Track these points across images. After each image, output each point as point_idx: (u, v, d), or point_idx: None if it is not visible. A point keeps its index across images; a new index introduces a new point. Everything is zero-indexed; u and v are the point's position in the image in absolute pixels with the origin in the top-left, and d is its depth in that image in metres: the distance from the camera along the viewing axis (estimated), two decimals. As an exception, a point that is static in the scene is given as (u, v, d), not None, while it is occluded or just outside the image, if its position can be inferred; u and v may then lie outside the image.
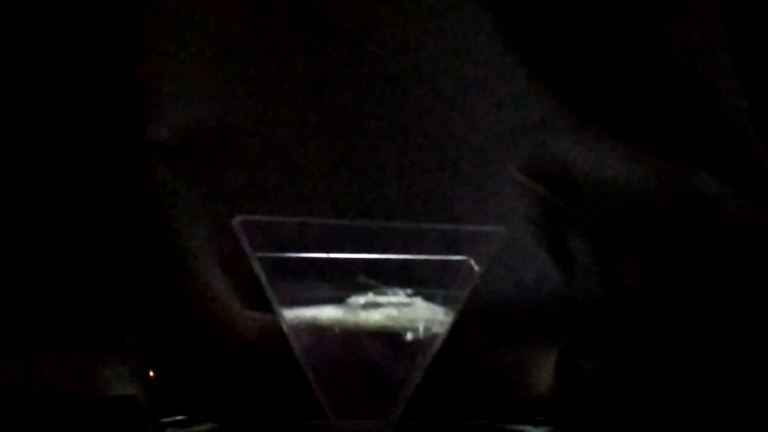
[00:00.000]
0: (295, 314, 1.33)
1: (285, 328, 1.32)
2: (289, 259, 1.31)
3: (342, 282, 1.35)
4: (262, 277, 1.29)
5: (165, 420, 1.44)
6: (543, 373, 1.46)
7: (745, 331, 1.32)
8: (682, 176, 1.35)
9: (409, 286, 1.33)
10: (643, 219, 1.38)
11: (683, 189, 1.36)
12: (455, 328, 1.34)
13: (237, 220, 1.27)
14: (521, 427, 1.43)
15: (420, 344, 1.33)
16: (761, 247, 1.33)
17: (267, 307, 1.38)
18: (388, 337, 1.33)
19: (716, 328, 1.34)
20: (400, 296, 1.32)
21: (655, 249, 1.37)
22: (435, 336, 1.32)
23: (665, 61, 1.34)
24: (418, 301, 1.32)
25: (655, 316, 1.36)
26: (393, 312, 1.33)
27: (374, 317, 1.32)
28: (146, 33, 1.37)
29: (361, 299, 1.32)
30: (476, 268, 1.33)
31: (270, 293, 1.31)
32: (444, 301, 1.32)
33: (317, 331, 1.35)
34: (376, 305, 1.33)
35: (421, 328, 1.32)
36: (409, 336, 1.33)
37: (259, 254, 1.29)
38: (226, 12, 1.37)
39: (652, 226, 1.37)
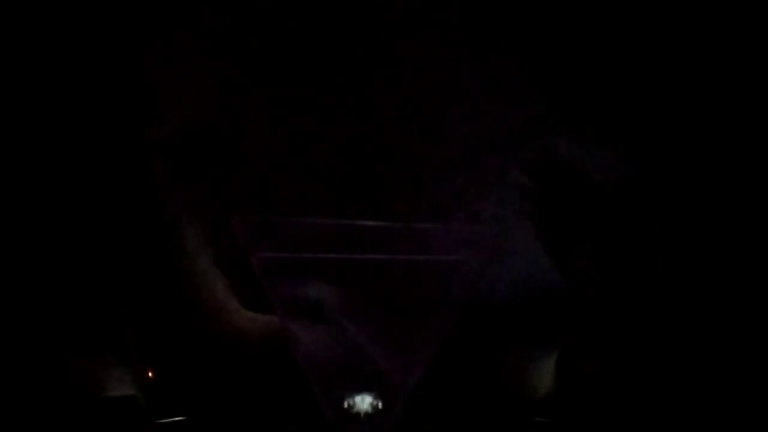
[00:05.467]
0: (295, 314, 1.33)
1: (285, 328, 1.32)
2: (289, 259, 1.31)
3: (341, 282, 1.35)
4: (262, 277, 1.29)
5: (164, 420, 1.44)
6: (543, 373, 1.46)
7: (746, 331, 1.32)
8: (682, 176, 1.36)
9: (409, 286, 1.33)
10: (644, 219, 1.38)
11: (683, 189, 1.36)
12: (455, 328, 1.34)
13: (237, 220, 1.27)
14: None
15: (420, 344, 1.33)
16: (761, 247, 1.33)
17: (267, 307, 1.38)
18: (388, 338, 1.33)
19: (716, 328, 1.34)
20: None
21: (656, 249, 1.37)
22: (435, 336, 1.32)
23: (662, 63, 1.34)
24: None
25: (655, 315, 1.36)
26: None
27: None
28: (147, 33, 1.37)
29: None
30: (476, 268, 1.34)
31: (270, 293, 1.31)
32: (444, 301, 1.33)
33: (317, 331, 1.35)
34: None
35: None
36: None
37: (259, 254, 1.29)
38: (227, 13, 1.37)
39: (652, 226, 1.37)
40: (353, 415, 1.32)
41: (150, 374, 1.46)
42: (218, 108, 1.41)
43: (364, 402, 1.31)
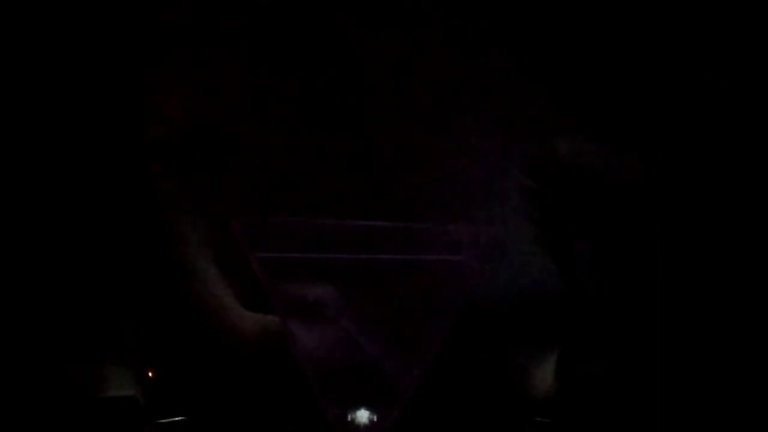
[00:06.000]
0: (295, 314, 1.33)
1: (285, 328, 1.32)
2: (289, 259, 1.31)
3: (342, 282, 1.35)
4: (262, 277, 1.29)
5: (164, 420, 1.44)
6: (543, 373, 1.46)
7: (747, 331, 1.32)
8: (684, 176, 1.36)
9: (409, 286, 1.33)
10: (644, 218, 1.38)
11: (685, 189, 1.36)
12: (455, 328, 1.34)
13: (237, 220, 1.27)
14: None
15: (420, 345, 1.33)
16: (762, 247, 1.33)
17: (267, 307, 1.38)
18: (388, 338, 1.33)
19: (718, 328, 1.34)
20: None
21: (657, 249, 1.37)
22: (435, 336, 1.32)
23: (663, 63, 1.34)
24: None
25: (655, 316, 1.36)
26: None
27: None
28: (147, 33, 1.37)
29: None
30: (476, 268, 1.33)
31: (270, 293, 1.30)
32: (444, 301, 1.32)
33: (317, 331, 1.35)
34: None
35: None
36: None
37: (259, 254, 1.29)
38: (227, 13, 1.37)
39: (653, 225, 1.37)
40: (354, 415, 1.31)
41: (150, 374, 1.46)
42: (219, 107, 1.41)
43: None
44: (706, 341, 1.34)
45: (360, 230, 1.31)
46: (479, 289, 1.38)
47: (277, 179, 1.41)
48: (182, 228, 1.45)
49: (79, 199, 1.40)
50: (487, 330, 1.44)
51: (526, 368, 1.47)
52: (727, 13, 1.31)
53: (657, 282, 1.37)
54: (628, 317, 1.40)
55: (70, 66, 1.37)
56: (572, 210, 1.42)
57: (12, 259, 1.35)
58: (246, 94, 1.40)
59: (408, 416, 1.32)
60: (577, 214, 1.42)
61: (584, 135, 1.39)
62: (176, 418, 1.44)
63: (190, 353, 1.47)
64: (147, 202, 1.44)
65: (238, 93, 1.40)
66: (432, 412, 1.39)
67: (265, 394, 1.46)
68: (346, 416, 1.30)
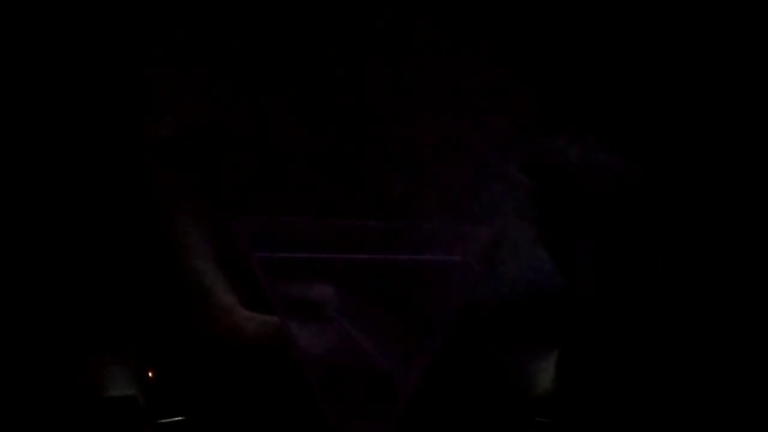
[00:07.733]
0: (295, 314, 1.33)
1: (285, 328, 1.32)
2: (289, 259, 1.31)
3: (341, 282, 1.35)
4: (262, 277, 1.29)
5: (164, 420, 1.44)
6: (543, 373, 1.46)
7: (746, 332, 1.32)
8: (683, 176, 1.36)
9: (409, 286, 1.33)
10: (644, 218, 1.38)
11: (684, 189, 1.36)
12: (455, 329, 1.34)
13: (237, 220, 1.27)
14: None
15: (420, 344, 1.33)
16: (761, 248, 1.33)
17: (267, 307, 1.38)
18: (388, 338, 1.33)
19: (717, 328, 1.34)
20: None
21: (656, 249, 1.37)
22: (435, 336, 1.32)
23: (661, 62, 1.34)
24: None
25: (655, 316, 1.36)
26: None
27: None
28: (146, 33, 1.37)
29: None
30: (476, 268, 1.33)
31: (270, 293, 1.30)
32: (444, 301, 1.32)
33: (317, 331, 1.35)
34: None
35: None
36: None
37: (259, 254, 1.29)
38: (226, 12, 1.37)
39: (653, 226, 1.38)
40: (353, 416, 1.31)
41: (150, 374, 1.46)
42: (218, 107, 1.41)
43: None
44: (706, 341, 1.34)
45: (360, 230, 1.31)
46: (479, 289, 1.38)
47: (276, 179, 1.41)
48: (182, 228, 1.45)
49: (78, 199, 1.40)
50: (487, 330, 1.44)
51: (526, 368, 1.47)
52: (727, 13, 1.31)
53: (657, 282, 1.37)
54: (627, 317, 1.40)
55: (70, 66, 1.37)
56: (572, 210, 1.42)
57: (12, 259, 1.35)
58: (245, 94, 1.40)
59: (408, 416, 1.32)
60: (577, 214, 1.42)
61: (584, 135, 1.39)
62: (176, 418, 1.44)
63: (190, 353, 1.47)
64: (147, 201, 1.44)
65: (238, 93, 1.40)
66: (432, 412, 1.39)
67: (265, 395, 1.46)
68: (346, 416, 1.29)
